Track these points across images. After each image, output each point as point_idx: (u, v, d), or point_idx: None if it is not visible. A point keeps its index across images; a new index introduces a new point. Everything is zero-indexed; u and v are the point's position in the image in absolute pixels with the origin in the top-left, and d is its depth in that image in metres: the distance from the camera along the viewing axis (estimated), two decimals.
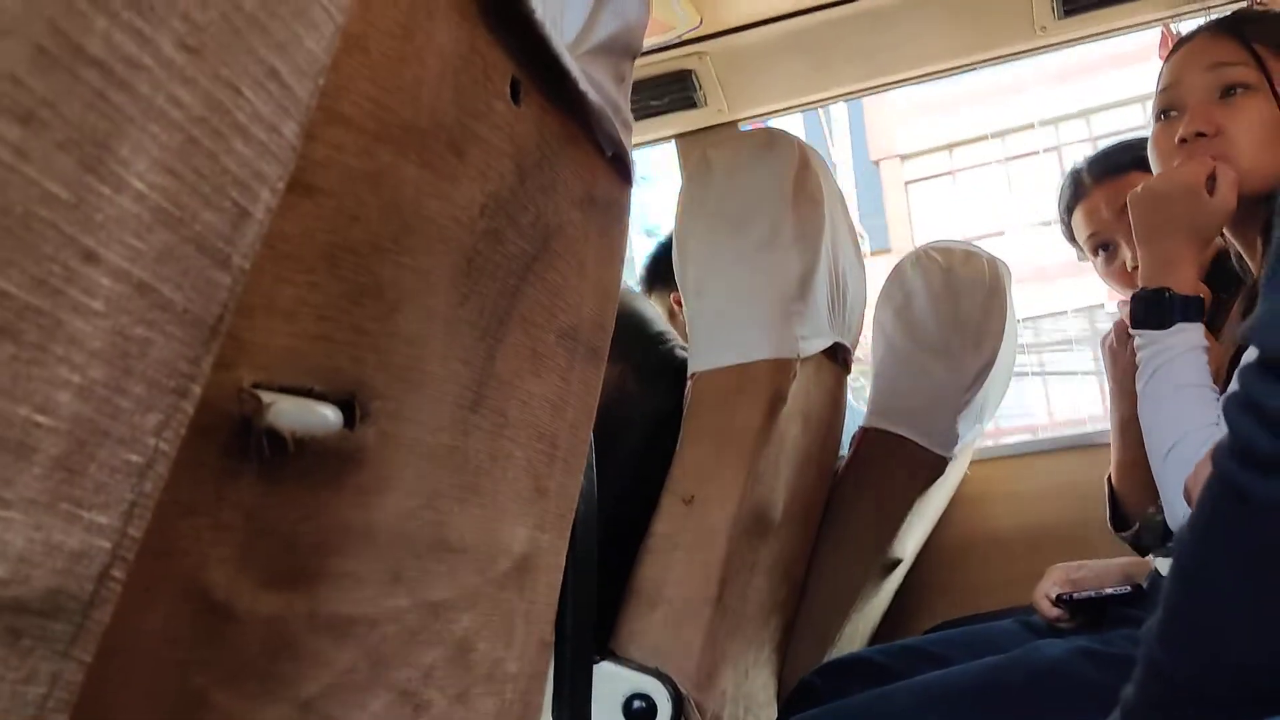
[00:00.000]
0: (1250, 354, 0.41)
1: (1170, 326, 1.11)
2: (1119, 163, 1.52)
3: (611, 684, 0.92)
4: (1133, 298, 1.17)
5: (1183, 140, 1.13)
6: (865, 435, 1.46)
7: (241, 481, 0.42)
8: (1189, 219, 1.13)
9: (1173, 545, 1.06)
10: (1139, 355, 1.15)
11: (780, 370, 1.07)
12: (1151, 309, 1.14)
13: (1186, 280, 1.13)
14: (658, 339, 1.14)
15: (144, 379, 0.31)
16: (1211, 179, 1.11)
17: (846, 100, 1.83)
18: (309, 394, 0.44)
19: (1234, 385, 0.42)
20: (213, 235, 0.32)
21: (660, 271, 1.81)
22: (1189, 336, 1.11)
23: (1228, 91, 1.13)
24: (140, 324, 0.30)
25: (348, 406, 0.47)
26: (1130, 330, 1.17)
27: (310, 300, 0.43)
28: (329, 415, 0.45)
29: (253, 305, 0.41)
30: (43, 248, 0.28)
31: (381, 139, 0.46)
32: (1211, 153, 1.12)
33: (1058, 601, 1.28)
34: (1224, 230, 1.19)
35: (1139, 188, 1.21)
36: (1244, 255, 1.18)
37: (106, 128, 0.29)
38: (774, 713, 1.33)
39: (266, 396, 0.41)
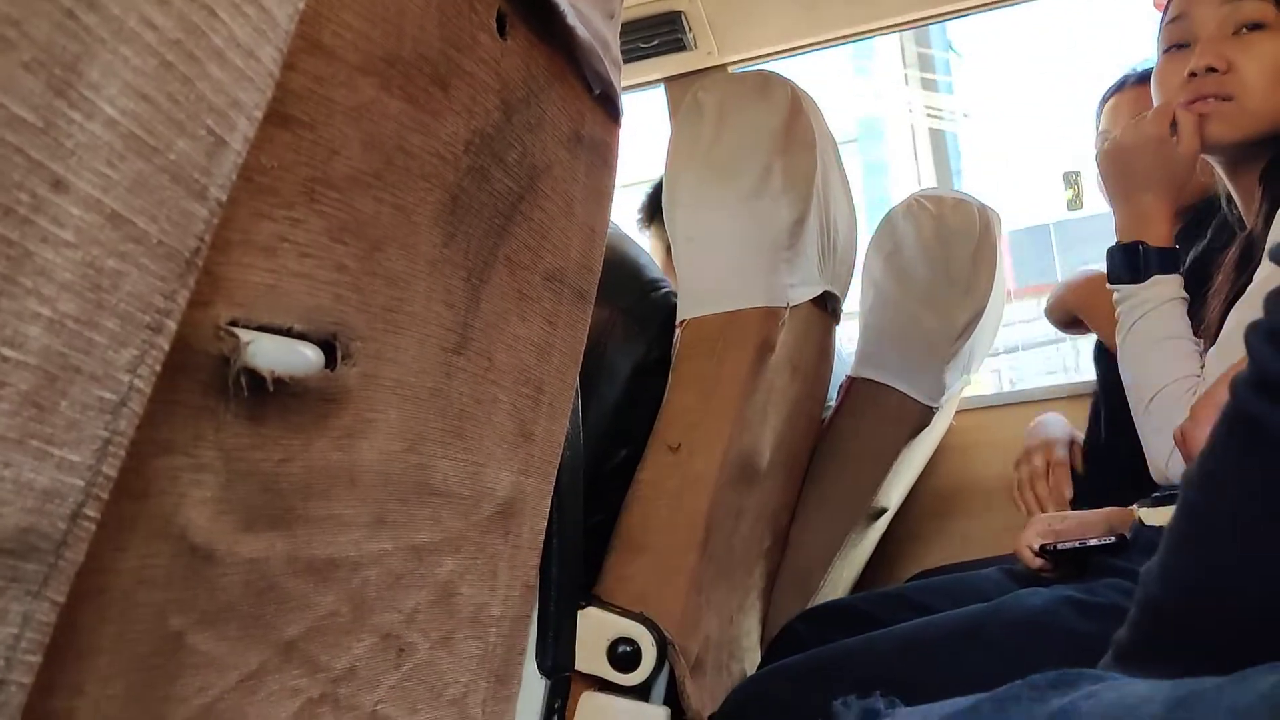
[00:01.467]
0: (1275, 276, 0.40)
1: (1146, 280, 1.12)
2: None
3: (597, 628, 0.93)
4: (1108, 253, 1.18)
5: (1192, 74, 1.11)
6: (852, 385, 1.46)
7: (220, 421, 0.41)
8: (1158, 170, 1.13)
9: (1159, 495, 1.07)
10: (1117, 310, 1.16)
11: (769, 318, 1.06)
12: (1126, 263, 1.14)
13: (1160, 232, 1.14)
14: (650, 285, 1.13)
15: (117, 313, 0.30)
16: (1173, 126, 1.11)
17: (841, 44, 1.80)
18: (289, 333, 0.43)
19: (1257, 313, 0.41)
20: (188, 165, 0.31)
21: (657, 209, 1.80)
22: (1165, 289, 1.11)
23: (1241, 28, 1.11)
24: (113, 256, 0.29)
25: (329, 347, 0.46)
26: (1108, 285, 1.18)
27: (290, 236, 0.42)
28: (309, 355, 0.44)
29: (230, 240, 0.40)
30: (10, 174, 0.27)
31: (363, 70, 0.44)
32: (1220, 90, 1.10)
33: (1041, 551, 1.28)
34: (1221, 175, 1.19)
35: (1106, 145, 1.21)
36: (1238, 200, 1.18)
37: (76, 49, 0.27)
38: (758, 657, 1.34)
39: (245, 335, 0.40)
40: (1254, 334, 0.41)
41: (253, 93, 0.33)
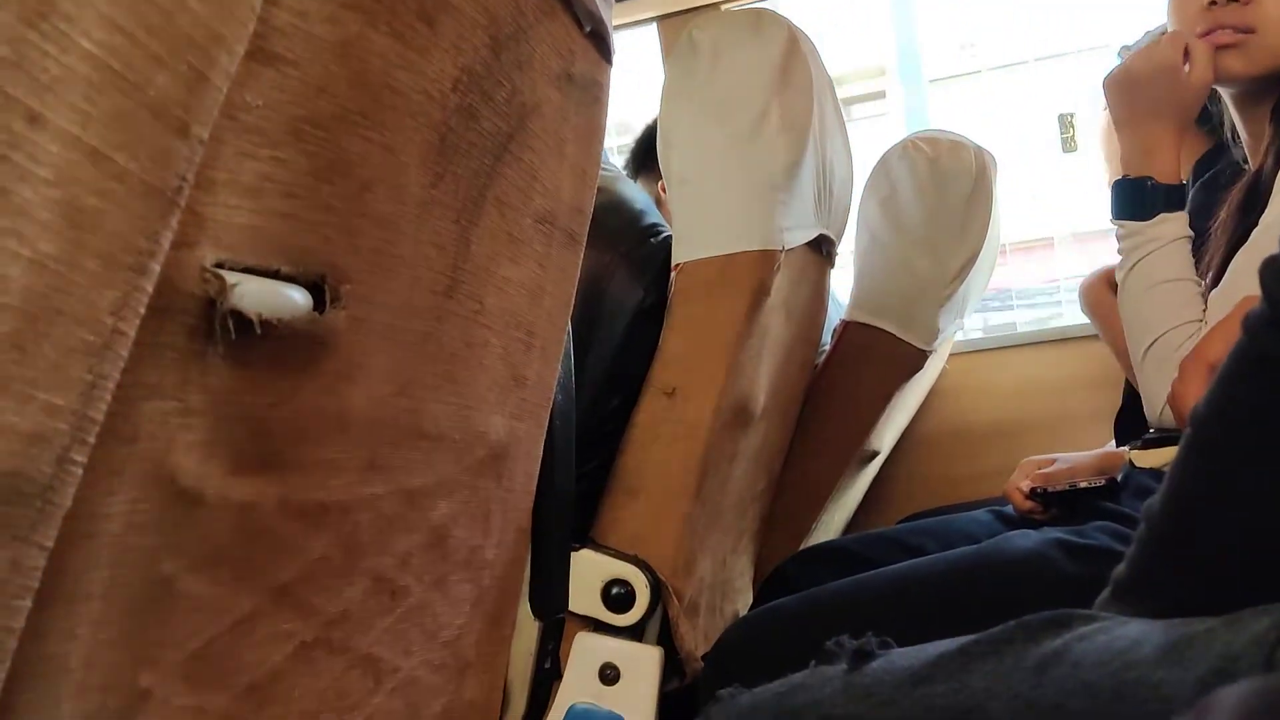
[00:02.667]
0: None
1: (1153, 217, 1.08)
2: None
3: (591, 570, 0.93)
4: (1113, 187, 1.14)
5: (1212, 2, 1.06)
6: (846, 328, 1.45)
7: (207, 365, 0.40)
8: (1168, 100, 1.09)
9: (1150, 437, 1.07)
10: (1120, 246, 1.12)
11: (764, 262, 1.05)
12: (1133, 199, 1.10)
13: (1168, 167, 1.09)
14: (649, 230, 1.12)
15: (98, 253, 0.29)
16: (1186, 55, 1.06)
17: None
18: (276, 275, 0.43)
19: (1274, 247, 0.40)
20: (168, 101, 0.30)
21: (646, 155, 1.77)
22: (1172, 227, 1.08)
23: None
24: (93, 194, 0.29)
25: (317, 289, 0.45)
26: (1111, 220, 1.14)
27: (275, 176, 0.41)
28: (297, 298, 0.43)
29: (214, 180, 0.39)
30: None
31: (348, 5, 0.43)
32: (1240, 22, 1.05)
33: (1031, 494, 1.29)
34: (1230, 109, 1.16)
35: (1114, 70, 1.15)
36: (1245, 137, 1.15)
37: None
38: (750, 598, 1.35)
39: (231, 277, 0.40)
40: (1269, 270, 0.40)
41: (234, 26, 0.32)
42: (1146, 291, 1.06)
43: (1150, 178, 1.09)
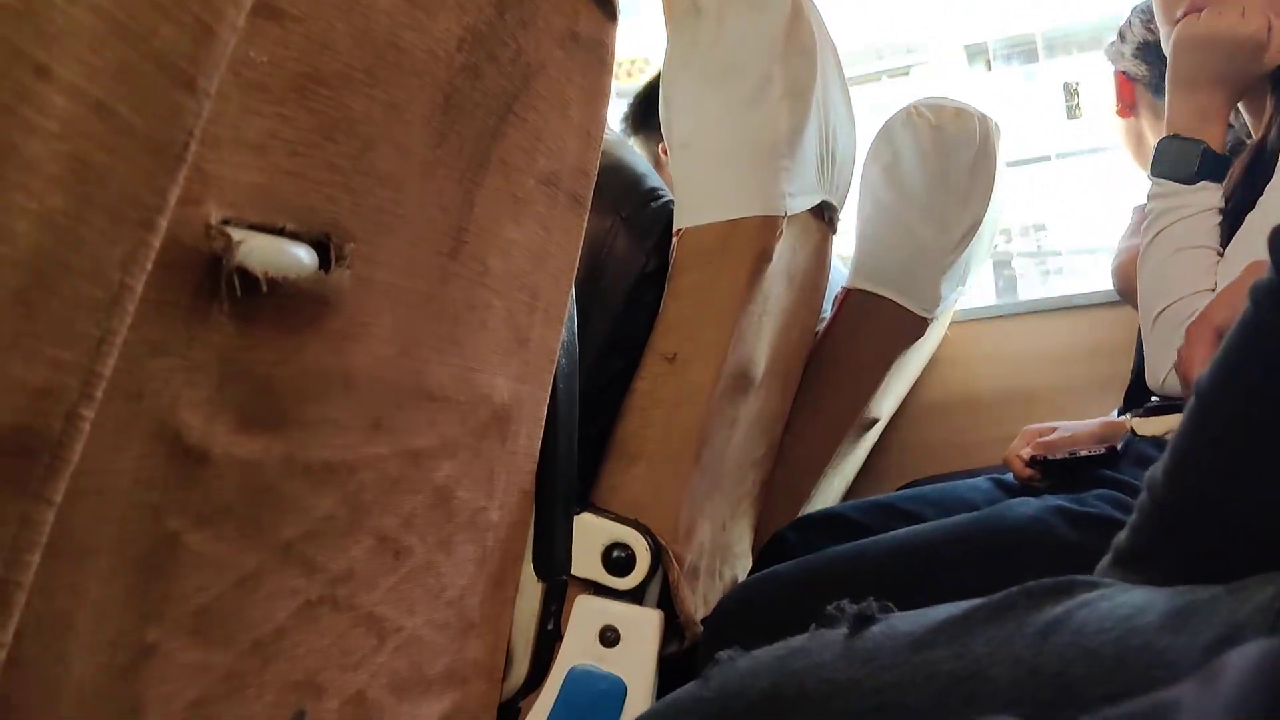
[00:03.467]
0: None
1: (1196, 183, 1.06)
2: None
3: (592, 534, 0.94)
4: (1160, 144, 1.11)
5: None
6: (848, 295, 1.45)
7: (213, 322, 0.40)
8: (1240, 72, 1.06)
9: (1151, 405, 1.07)
10: (1152, 205, 1.09)
11: (766, 228, 1.05)
12: (1180, 159, 1.08)
13: (1219, 137, 1.07)
14: (650, 194, 1.11)
15: (106, 208, 0.29)
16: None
17: None
18: (281, 233, 0.42)
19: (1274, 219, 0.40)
20: (174, 54, 0.30)
21: (645, 115, 1.75)
22: (1209, 196, 1.06)
23: None
24: (100, 149, 0.28)
25: (322, 248, 0.45)
26: (1150, 175, 1.11)
27: (280, 134, 0.41)
28: (303, 256, 0.43)
29: (220, 137, 0.39)
30: None
31: None
32: None
33: (1031, 462, 1.29)
34: None
35: (1193, 28, 1.10)
36: (1244, 110, 1.14)
37: None
38: (749, 564, 1.36)
39: (236, 234, 0.40)
40: (1277, 240, 0.40)
41: None
42: (1172, 255, 1.04)
43: (1203, 142, 1.07)
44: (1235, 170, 1.08)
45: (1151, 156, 1.12)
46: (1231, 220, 1.03)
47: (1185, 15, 1.10)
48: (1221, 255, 1.03)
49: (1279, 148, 1.00)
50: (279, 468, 0.46)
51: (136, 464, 0.38)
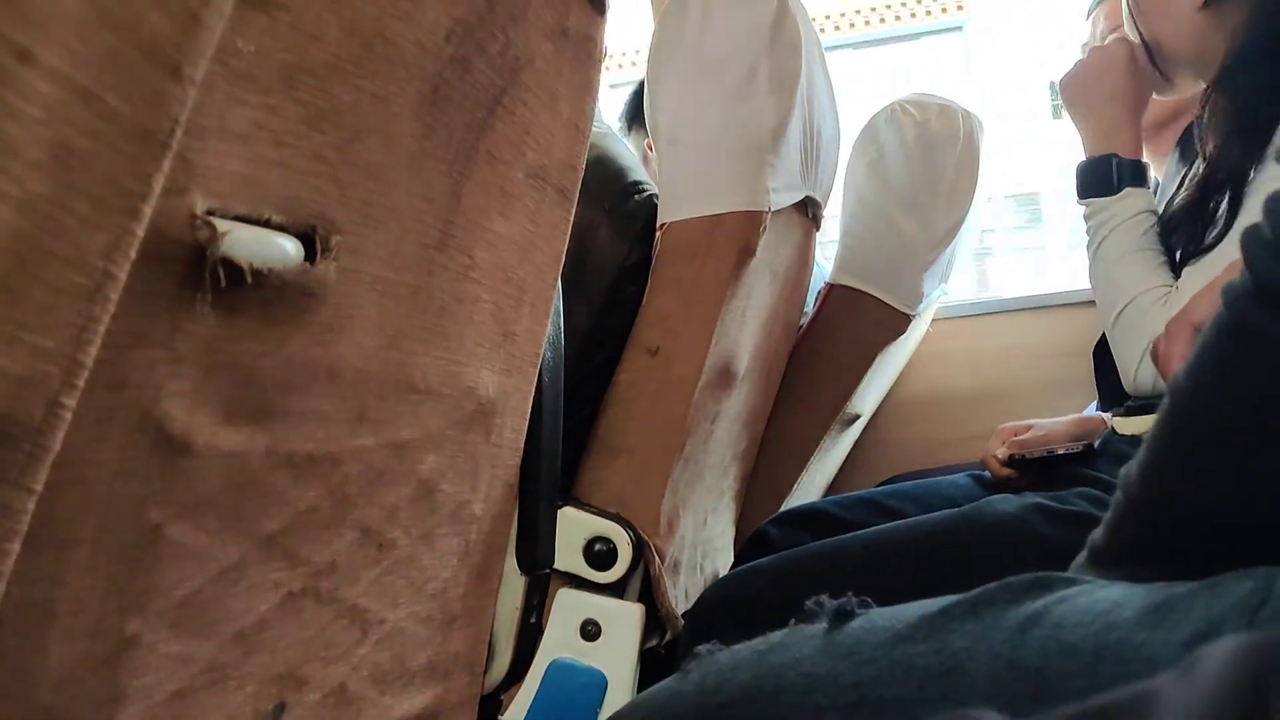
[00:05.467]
0: (1273, 178, 0.40)
1: (1119, 192, 1.13)
2: None
3: (573, 527, 0.93)
4: (1078, 169, 1.18)
5: None
6: (831, 291, 1.45)
7: (197, 313, 0.40)
8: (1127, 86, 1.16)
9: (1132, 404, 1.08)
10: (1087, 226, 1.16)
11: (750, 222, 1.05)
12: (1097, 176, 1.15)
13: (1130, 145, 1.15)
14: (633, 187, 1.11)
15: (89, 195, 0.29)
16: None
17: None
18: (266, 224, 0.42)
19: (1255, 216, 0.40)
20: (161, 41, 0.29)
21: (640, 112, 1.76)
22: (1136, 201, 1.12)
23: None
24: (84, 135, 0.28)
25: (307, 240, 0.45)
26: (1078, 201, 1.19)
27: (267, 124, 0.41)
28: (288, 247, 0.43)
29: (205, 127, 0.38)
30: None
31: None
32: None
33: (1009, 460, 1.29)
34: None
35: (1066, 74, 1.23)
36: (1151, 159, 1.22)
37: None
38: (730, 558, 1.36)
39: (221, 225, 0.39)
40: (1252, 240, 0.40)
41: None
42: (1115, 261, 1.11)
43: (1114, 154, 1.14)
44: (1193, 175, 1.12)
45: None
46: (1189, 224, 1.07)
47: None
48: (1162, 254, 1.09)
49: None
50: (262, 459, 0.46)
51: (119, 455, 0.38)
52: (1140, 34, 1.17)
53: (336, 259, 0.46)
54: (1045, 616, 0.45)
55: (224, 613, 0.46)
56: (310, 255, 0.45)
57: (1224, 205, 1.02)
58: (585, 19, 0.63)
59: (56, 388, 0.30)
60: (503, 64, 0.55)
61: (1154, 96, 1.21)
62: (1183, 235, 1.08)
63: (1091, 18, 1.58)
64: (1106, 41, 1.20)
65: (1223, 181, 1.03)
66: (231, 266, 0.40)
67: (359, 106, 0.46)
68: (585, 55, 0.64)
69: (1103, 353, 1.25)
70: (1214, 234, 1.02)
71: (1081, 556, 0.52)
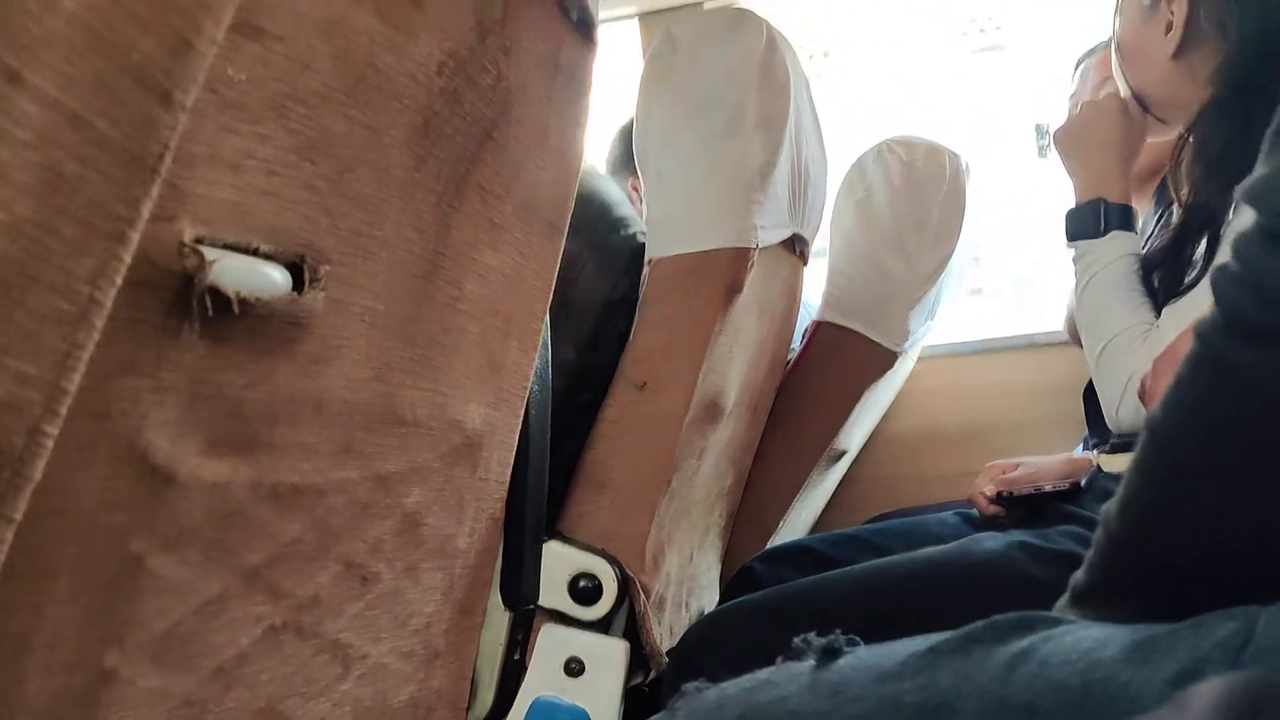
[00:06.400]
0: (1244, 219, 0.40)
1: (1106, 235, 1.16)
2: None
3: (558, 563, 0.93)
4: (1067, 214, 1.22)
5: None
6: (818, 328, 1.46)
7: (183, 342, 0.40)
8: (1118, 133, 1.20)
9: (1117, 441, 1.09)
10: (1076, 268, 1.19)
11: (738, 259, 1.05)
12: (1085, 220, 1.19)
13: (1117, 191, 1.18)
14: (620, 223, 1.11)
15: (76, 220, 0.29)
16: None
17: None
18: (255, 253, 0.42)
19: (1226, 254, 0.41)
20: (152, 66, 0.29)
21: (626, 152, 1.77)
22: (1122, 244, 1.15)
23: None
24: (73, 159, 0.28)
25: (296, 269, 0.45)
26: (1066, 244, 1.22)
27: (257, 153, 0.41)
28: (276, 277, 0.43)
29: (195, 155, 0.38)
30: None
31: None
32: None
33: (996, 498, 1.30)
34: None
35: (1061, 125, 1.27)
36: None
37: None
38: (716, 595, 1.35)
39: (210, 253, 0.39)
40: (1221, 277, 0.41)
41: None
42: (1100, 301, 1.14)
43: (1102, 199, 1.18)
44: (1171, 219, 1.15)
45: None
46: (1168, 265, 1.10)
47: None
48: (1145, 295, 1.13)
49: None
50: (246, 491, 0.45)
51: (101, 484, 0.38)
52: (1125, 80, 1.21)
53: (325, 289, 0.46)
54: (1032, 654, 0.45)
55: (204, 646, 0.45)
56: (298, 285, 0.45)
57: (1201, 247, 1.04)
58: (576, 53, 0.64)
59: (39, 415, 0.29)
60: (494, 97, 0.56)
61: (1147, 141, 1.24)
62: (1163, 276, 1.10)
63: (1081, 69, 1.61)
64: (1101, 95, 1.25)
65: (1199, 225, 1.05)
66: (219, 295, 0.39)
67: (350, 137, 0.46)
68: (576, 89, 0.65)
69: (1092, 393, 1.27)
70: (1192, 275, 1.04)
71: (1065, 597, 0.52)
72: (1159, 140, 1.28)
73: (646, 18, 1.80)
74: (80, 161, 0.28)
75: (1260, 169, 0.40)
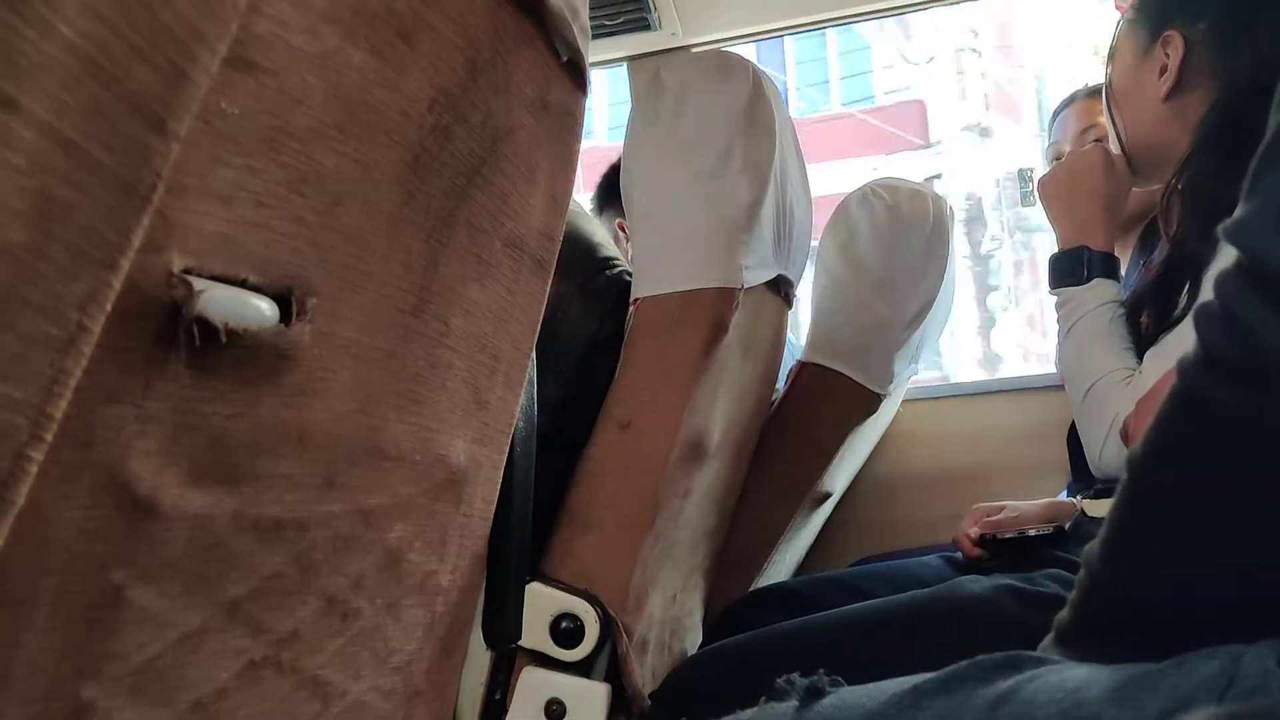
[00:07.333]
0: (1225, 259, 0.40)
1: (1089, 282, 1.18)
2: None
3: (540, 603, 0.92)
4: (1051, 260, 1.24)
5: None
6: (803, 369, 1.46)
7: (169, 372, 0.40)
8: (1103, 185, 1.22)
9: (1101, 486, 1.09)
10: (1059, 315, 1.21)
11: (723, 299, 1.06)
12: (1068, 267, 1.21)
13: (1101, 239, 1.20)
14: (605, 263, 1.12)
15: (67, 245, 0.29)
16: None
17: (809, 31, 1.80)
18: (243, 284, 0.42)
19: (1208, 294, 0.41)
20: (146, 95, 0.30)
21: (612, 193, 1.78)
22: (1104, 290, 1.17)
23: None
24: (65, 184, 0.28)
25: (283, 301, 0.45)
26: (1050, 291, 1.24)
27: (247, 185, 0.41)
28: (264, 308, 0.43)
29: (186, 186, 0.38)
30: None
31: (329, 19, 0.43)
32: None
33: (980, 541, 1.30)
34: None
35: (1050, 170, 1.29)
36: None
37: None
38: (699, 637, 1.34)
39: (198, 283, 0.39)
40: (1202, 316, 0.41)
41: (215, 25, 0.32)
42: (1083, 347, 1.16)
43: (1085, 247, 1.20)
44: (1155, 261, 1.18)
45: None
46: (1154, 308, 1.11)
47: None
48: (1127, 339, 1.15)
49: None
50: (229, 523, 0.45)
51: (83, 513, 0.37)
52: (1114, 124, 1.24)
53: (312, 321, 0.46)
54: (1017, 694, 0.45)
55: (183, 680, 0.45)
56: (286, 317, 0.45)
57: (1185, 289, 1.06)
58: (566, 93, 0.64)
59: (24, 440, 0.29)
60: (484, 134, 0.56)
61: (1132, 190, 1.27)
62: (1150, 315, 1.12)
63: (1060, 118, 1.64)
64: (1086, 145, 1.28)
65: (1183, 266, 1.06)
66: (206, 325, 0.40)
67: (340, 171, 0.46)
68: (565, 129, 0.65)
69: (1076, 437, 1.28)
70: (1175, 314, 1.06)
71: (1049, 637, 0.52)
72: (1142, 190, 1.30)
73: (635, 61, 1.82)
74: (73, 187, 0.28)
75: (1241, 209, 0.40)
